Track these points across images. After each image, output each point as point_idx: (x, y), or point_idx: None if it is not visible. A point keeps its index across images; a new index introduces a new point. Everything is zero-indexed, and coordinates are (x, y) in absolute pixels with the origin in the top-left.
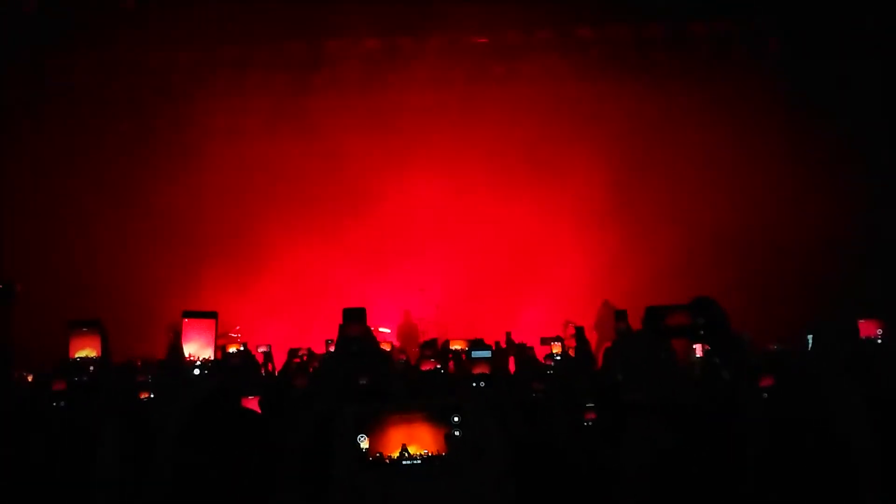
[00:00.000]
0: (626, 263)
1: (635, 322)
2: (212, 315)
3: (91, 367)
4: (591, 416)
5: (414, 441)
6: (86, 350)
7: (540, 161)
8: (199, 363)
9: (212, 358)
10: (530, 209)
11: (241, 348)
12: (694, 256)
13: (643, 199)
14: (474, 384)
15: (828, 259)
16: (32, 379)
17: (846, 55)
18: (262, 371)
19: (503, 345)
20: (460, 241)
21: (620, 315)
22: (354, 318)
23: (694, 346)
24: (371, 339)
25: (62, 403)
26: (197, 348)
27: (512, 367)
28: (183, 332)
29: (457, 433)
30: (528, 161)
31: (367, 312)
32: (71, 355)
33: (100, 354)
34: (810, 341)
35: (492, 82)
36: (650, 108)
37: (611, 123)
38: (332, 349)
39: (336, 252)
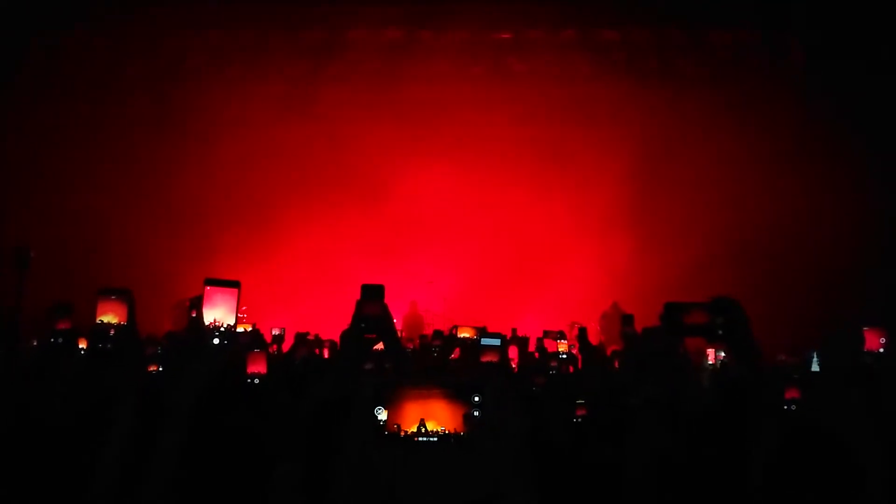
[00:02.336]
0: (638, 266)
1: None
2: (234, 284)
3: (111, 332)
4: (581, 412)
5: (431, 417)
6: (108, 316)
7: (556, 160)
8: (220, 331)
9: (233, 326)
10: (543, 208)
11: (251, 329)
12: (708, 262)
13: (658, 202)
14: None
15: (847, 269)
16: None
17: (868, 62)
18: (273, 350)
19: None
20: (471, 236)
21: (627, 319)
22: (373, 295)
23: (707, 351)
24: (388, 319)
25: (60, 340)
26: (220, 315)
27: (515, 360)
28: (205, 299)
29: (476, 413)
30: (543, 160)
31: None
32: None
33: (125, 322)
34: (813, 358)
35: (511, 79)
36: (669, 112)
37: (629, 126)
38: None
39: (346, 242)
